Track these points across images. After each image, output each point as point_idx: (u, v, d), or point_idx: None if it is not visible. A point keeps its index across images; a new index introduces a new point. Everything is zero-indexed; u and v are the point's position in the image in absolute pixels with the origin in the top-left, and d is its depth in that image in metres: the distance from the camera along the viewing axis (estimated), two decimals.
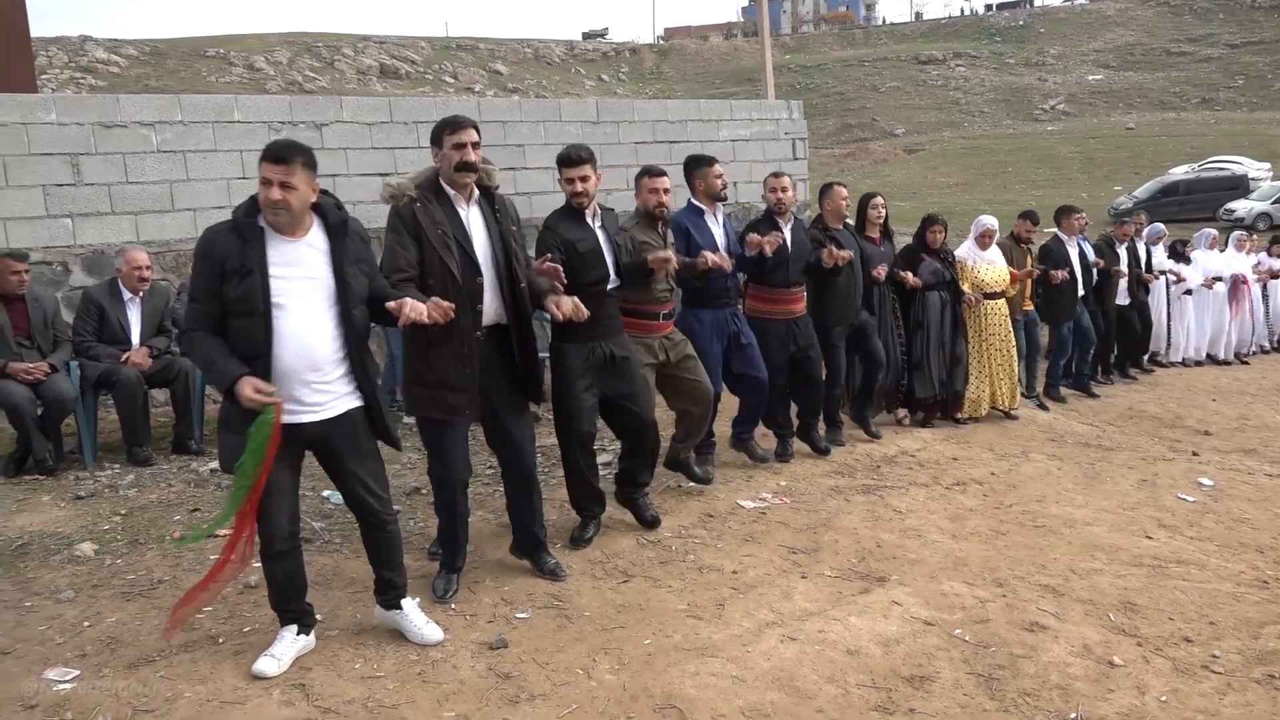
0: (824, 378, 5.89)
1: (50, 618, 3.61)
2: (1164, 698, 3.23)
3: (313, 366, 3.00)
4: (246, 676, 3.14)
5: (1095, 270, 8.43)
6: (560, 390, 4.21)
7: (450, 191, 3.53)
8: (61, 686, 3.08)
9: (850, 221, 6.27)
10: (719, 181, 5.11)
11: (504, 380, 3.71)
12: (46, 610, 3.66)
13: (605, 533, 4.48)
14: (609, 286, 4.24)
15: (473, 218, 3.58)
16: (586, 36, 52.78)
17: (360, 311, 3.09)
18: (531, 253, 4.00)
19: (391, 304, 3.07)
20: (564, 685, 3.19)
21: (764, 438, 5.87)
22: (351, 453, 3.16)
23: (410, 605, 3.46)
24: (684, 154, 10.09)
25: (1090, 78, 40.96)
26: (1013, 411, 7.11)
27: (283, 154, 2.88)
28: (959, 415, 6.90)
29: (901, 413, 6.84)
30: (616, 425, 4.49)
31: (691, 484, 5.15)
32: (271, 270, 2.92)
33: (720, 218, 5.21)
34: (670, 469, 5.03)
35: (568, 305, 3.63)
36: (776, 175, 5.55)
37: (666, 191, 4.62)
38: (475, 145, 3.52)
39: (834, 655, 3.44)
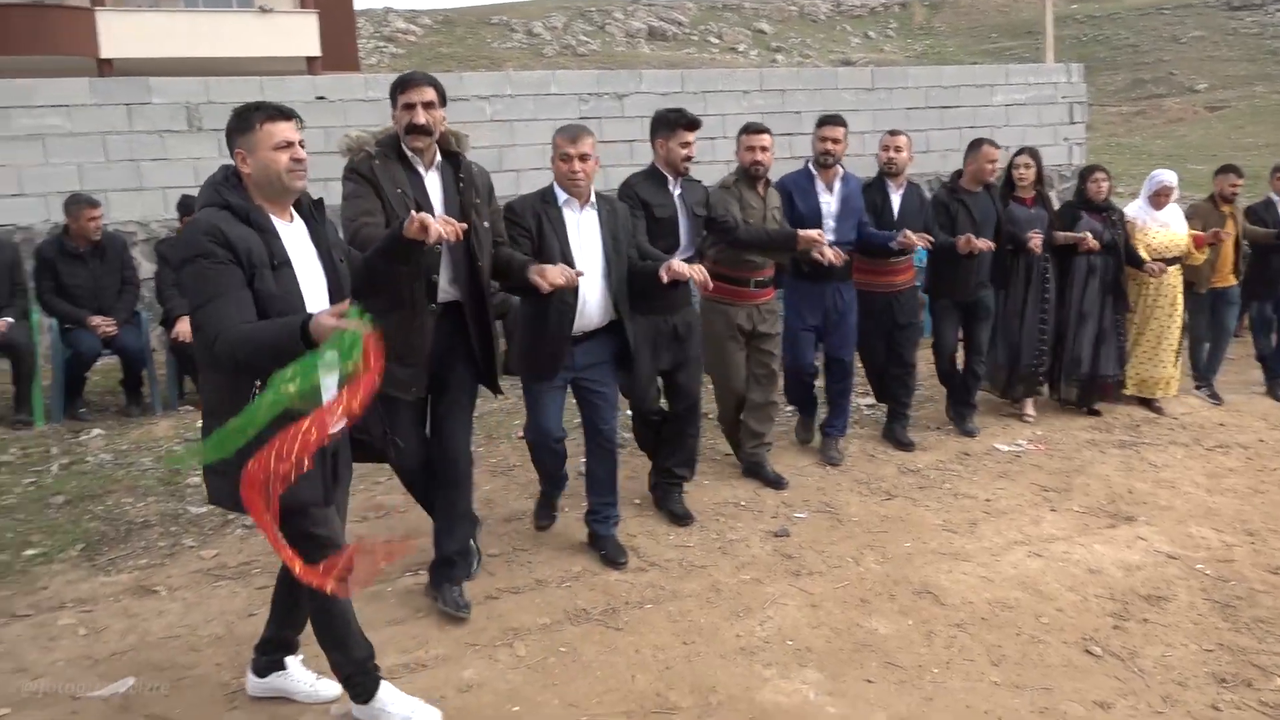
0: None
1: None
2: None
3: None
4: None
5: None
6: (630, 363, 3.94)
7: (409, 153, 3.24)
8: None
9: (993, 182, 5.52)
10: (823, 144, 4.74)
11: (457, 364, 3.39)
12: None
13: (871, 460, 5.12)
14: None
15: (433, 183, 3.29)
16: None
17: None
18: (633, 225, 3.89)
19: (414, 217, 2.68)
20: (837, 568, 3.91)
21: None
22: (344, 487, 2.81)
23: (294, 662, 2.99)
24: (955, 120, 10.39)
25: None
26: (1159, 402, 6.07)
27: None
28: (1095, 405, 5.96)
29: (1028, 407, 5.90)
30: (669, 399, 4.32)
31: (950, 426, 5.66)
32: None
33: (837, 186, 4.83)
34: (748, 475, 4.86)
35: (554, 273, 3.29)
36: (892, 133, 5.19)
37: (764, 150, 4.45)
38: (427, 105, 3.18)
39: (1076, 571, 3.92)
